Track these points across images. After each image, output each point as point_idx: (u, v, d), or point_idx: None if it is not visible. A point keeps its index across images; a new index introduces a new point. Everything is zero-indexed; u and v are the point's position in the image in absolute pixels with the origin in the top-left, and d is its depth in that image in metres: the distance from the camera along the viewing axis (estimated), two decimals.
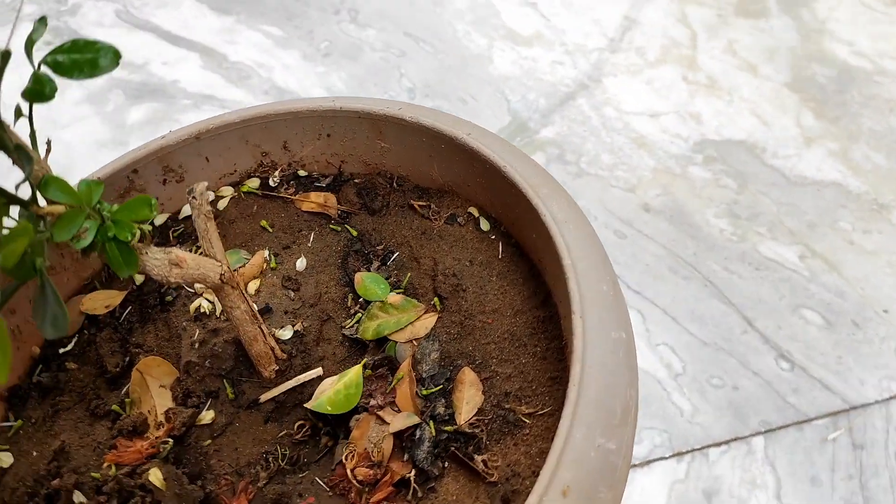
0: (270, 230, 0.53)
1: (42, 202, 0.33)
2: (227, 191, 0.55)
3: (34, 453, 0.45)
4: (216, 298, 0.49)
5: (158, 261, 0.37)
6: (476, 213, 0.51)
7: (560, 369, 0.43)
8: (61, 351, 0.49)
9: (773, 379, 0.69)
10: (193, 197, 0.38)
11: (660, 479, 0.65)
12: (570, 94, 0.98)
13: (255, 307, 0.43)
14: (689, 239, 0.80)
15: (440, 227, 0.51)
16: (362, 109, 0.50)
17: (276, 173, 0.55)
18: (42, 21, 0.31)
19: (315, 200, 0.54)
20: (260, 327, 0.43)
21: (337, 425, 0.45)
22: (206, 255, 0.39)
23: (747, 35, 1.01)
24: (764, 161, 0.86)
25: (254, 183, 0.55)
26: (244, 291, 0.41)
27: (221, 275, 0.39)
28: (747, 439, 0.67)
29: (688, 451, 0.68)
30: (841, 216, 0.79)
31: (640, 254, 0.80)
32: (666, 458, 0.67)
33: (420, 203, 0.52)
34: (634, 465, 0.67)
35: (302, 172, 0.56)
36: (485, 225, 0.50)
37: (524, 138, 0.93)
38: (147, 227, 0.37)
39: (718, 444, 0.67)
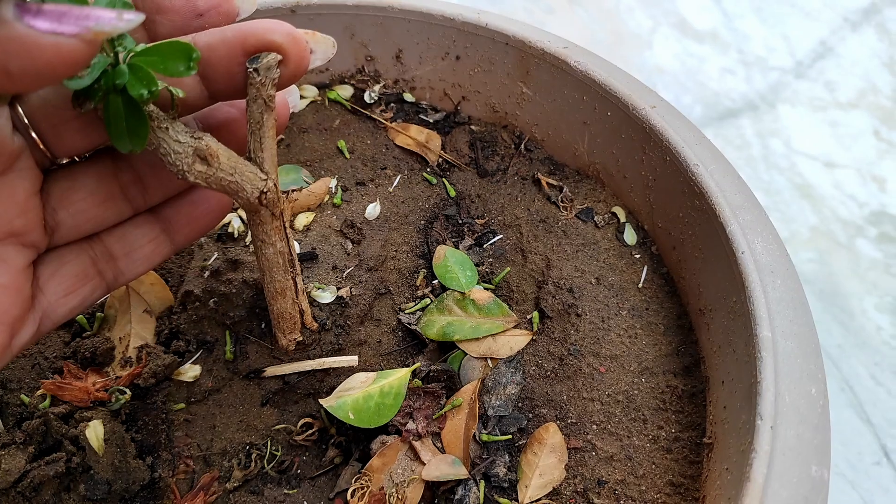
0: (347, 156, 0.40)
1: None
2: (310, 91, 0.42)
3: None
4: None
5: (181, 145, 0.25)
6: (622, 217, 0.37)
7: (689, 475, 0.29)
8: None
9: None
10: (255, 70, 0.25)
11: None
12: (734, 111, 0.82)
13: (296, 251, 0.30)
14: (837, 326, 0.64)
15: (568, 221, 0.37)
16: (514, 35, 0.37)
17: (377, 88, 0.42)
18: None
19: (415, 136, 0.41)
20: (294, 279, 0.30)
21: (355, 439, 0.33)
22: (251, 160, 0.27)
23: None
24: None
25: (345, 91, 0.42)
26: (286, 225, 0.29)
27: (263, 193, 0.26)
28: None
29: None
30: None
31: None
32: None
33: (550, 181, 0.39)
34: None
35: (409, 97, 0.42)
36: (630, 236, 0.36)
37: None
38: (179, 92, 0.24)
39: None
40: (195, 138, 0.25)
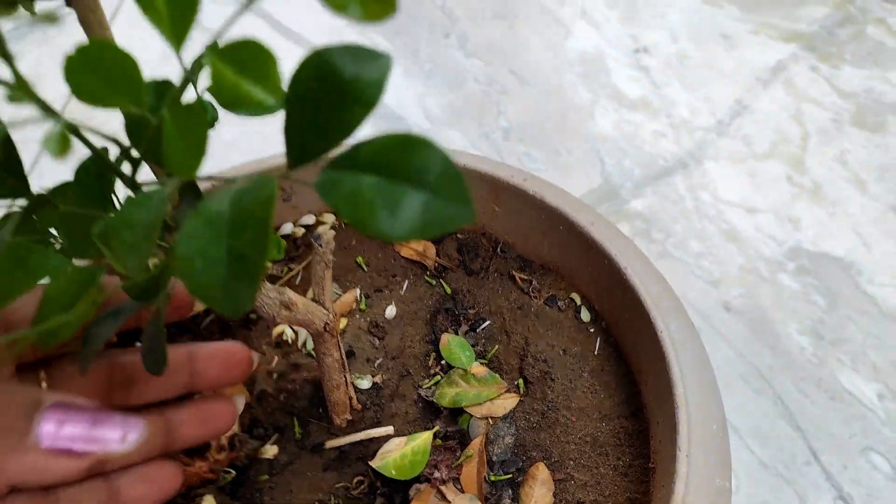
0: (365, 269, 0.52)
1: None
2: (329, 218, 0.54)
3: None
4: (300, 330, 0.48)
5: (271, 300, 0.36)
6: (578, 301, 0.49)
7: (641, 492, 0.41)
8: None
9: None
10: (320, 245, 0.37)
11: None
12: (668, 170, 0.96)
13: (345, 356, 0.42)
14: (767, 350, 0.77)
15: (538, 307, 0.49)
16: (486, 173, 0.49)
17: None
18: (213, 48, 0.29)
19: (414, 247, 0.53)
20: (345, 377, 0.42)
21: (395, 489, 0.44)
22: (316, 301, 0.38)
23: (861, 147, 0.98)
24: (858, 285, 0.83)
25: None
26: (340, 341, 0.40)
27: (326, 324, 0.38)
28: None
29: None
30: None
31: (712, 354, 0.77)
32: None
33: (522, 276, 0.51)
34: None
35: None
36: (585, 315, 0.48)
37: (613, 205, 0.91)
38: (268, 264, 0.36)
39: None
40: (279, 293, 0.36)
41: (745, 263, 0.85)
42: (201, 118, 0.22)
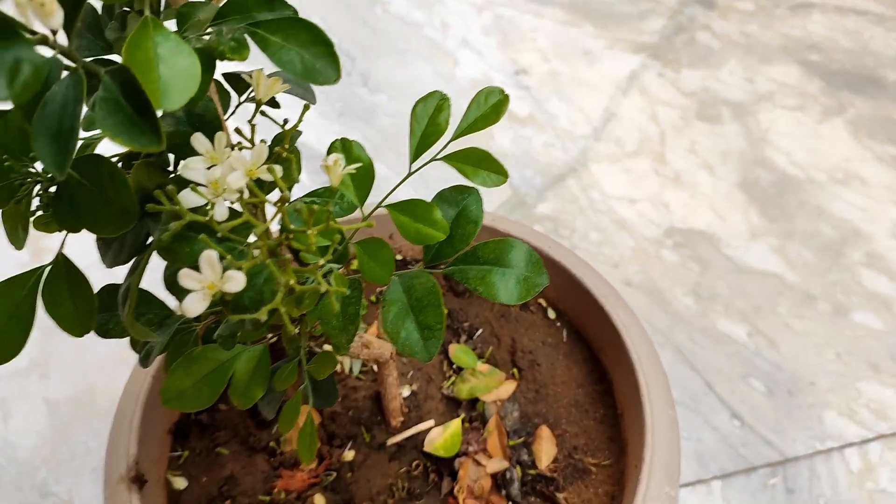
0: (375, 302, 0.66)
1: None
2: None
3: (204, 479, 0.56)
4: (345, 361, 0.62)
5: (355, 343, 0.50)
6: (544, 304, 0.66)
7: (615, 432, 0.59)
8: None
9: (728, 434, 0.88)
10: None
11: None
12: (562, 176, 1.15)
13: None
14: (663, 312, 0.98)
15: (516, 313, 0.66)
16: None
17: None
18: (391, 206, 0.43)
19: None
20: (399, 390, 0.57)
21: (442, 465, 0.59)
22: (381, 339, 0.53)
23: (705, 138, 1.22)
24: (719, 250, 1.06)
25: None
26: (396, 365, 0.55)
27: (392, 353, 0.53)
28: (708, 482, 0.85)
29: None
30: (779, 302, 1.00)
31: None
32: None
33: None
34: None
35: (399, 256, 0.69)
36: (551, 314, 0.66)
37: (523, 212, 1.09)
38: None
39: (685, 486, 0.85)
40: (360, 337, 0.51)
41: (635, 245, 1.06)
42: (384, 245, 0.36)
